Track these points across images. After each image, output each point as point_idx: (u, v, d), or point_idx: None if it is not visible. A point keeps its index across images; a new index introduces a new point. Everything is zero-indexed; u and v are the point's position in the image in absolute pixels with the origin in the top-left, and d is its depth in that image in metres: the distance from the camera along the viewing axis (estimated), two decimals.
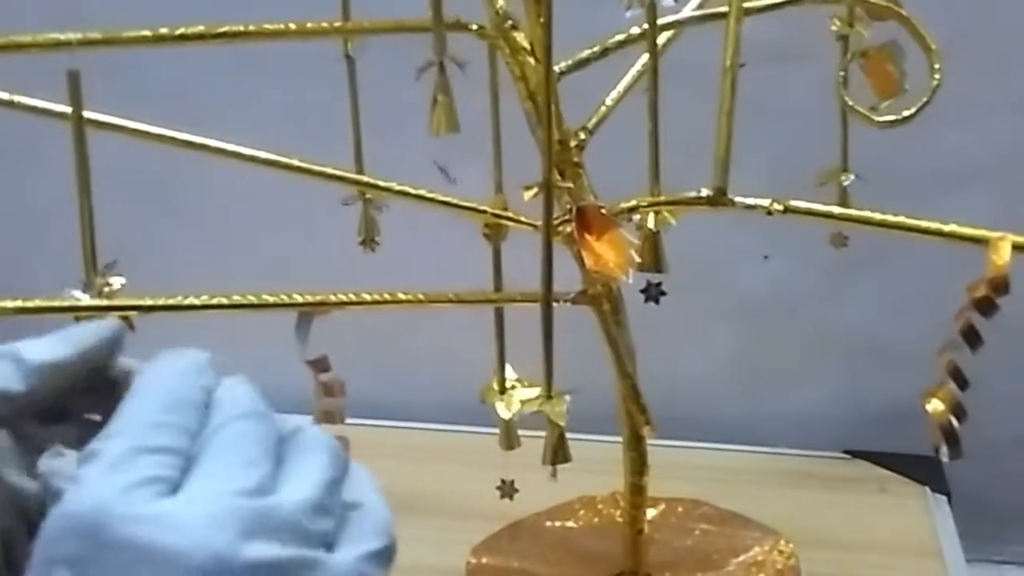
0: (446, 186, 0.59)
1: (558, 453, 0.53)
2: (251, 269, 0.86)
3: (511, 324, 0.61)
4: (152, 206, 0.90)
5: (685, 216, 0.57)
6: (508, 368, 0.59)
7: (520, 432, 0.58)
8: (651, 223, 0.58)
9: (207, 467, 0.32)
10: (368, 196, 0.63)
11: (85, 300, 0.47)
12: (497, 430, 0.59)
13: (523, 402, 0.55)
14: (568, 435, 0.54)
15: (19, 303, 0.45)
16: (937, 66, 0.52)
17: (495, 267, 0.61)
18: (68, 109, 0.44)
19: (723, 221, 0.58)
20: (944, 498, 0.79)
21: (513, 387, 0.57)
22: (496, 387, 0.58)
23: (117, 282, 0.48)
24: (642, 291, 0.56)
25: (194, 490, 0.31)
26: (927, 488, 0.80)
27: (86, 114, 0.45)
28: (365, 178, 0.59)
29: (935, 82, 0.52)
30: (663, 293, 0.56)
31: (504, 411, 0.57)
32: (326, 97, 0.62)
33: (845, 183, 0.65)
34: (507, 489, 0.59)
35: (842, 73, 0.57)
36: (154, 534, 0.29)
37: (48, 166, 0.58)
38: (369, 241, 0.65)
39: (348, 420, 0.53)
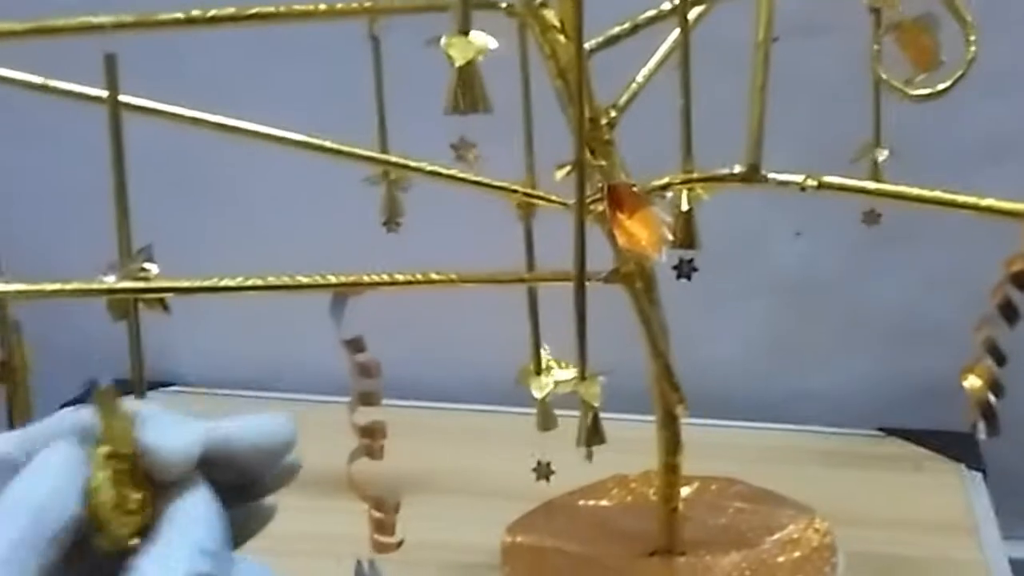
0: (477, 166, 0.59)
1: (593, 435, 0.53)
2: (282, 252, 0.86)
3: (544, 303, 0.61)
4: (183, 190, 0.91)
5: (716, 194, 0.57)
6: (544, 349, 0.59)
7: (556, 412, 0.58)
8: (684, 200, 0.57)
9: None
10: (393, 176, 0.63)
11: (121, 283, 0.47)
12: (530, 409, 0.59)
13: (558, 383, 0.55)
14: (602, 415, 0.54)
15: (58, 286, 0.45)
16: (972, 38, 0.52)
17: (527, 247, 0.61)
18: (103, 92, 0.44)
19: (755, 198, 0.57)
20: (979, 475, 0.79)
21: (549, 368, 0.57)
22: (532, 368, 0.58)
23: (153, 267, 0.48)
24: (674, 267, 0.56)
25: None
26: (962, 465, 0.80)
27: (121, 97, 0.45)
28: (397, 159, 0.59)
29: (970, 54, 0.52)
30: (695, 269, 0.56)
31: (540, 392, 0.57)
32: (355, 78, 0.62)
33: (879, 159, 0.65)
34: (543, 471, 0.59)
35: (876, 46, 0.56)
36: None
37: (81, 150, 0.59)
38: (392, 222, 0.65)
39: (384, 401, 0.53)
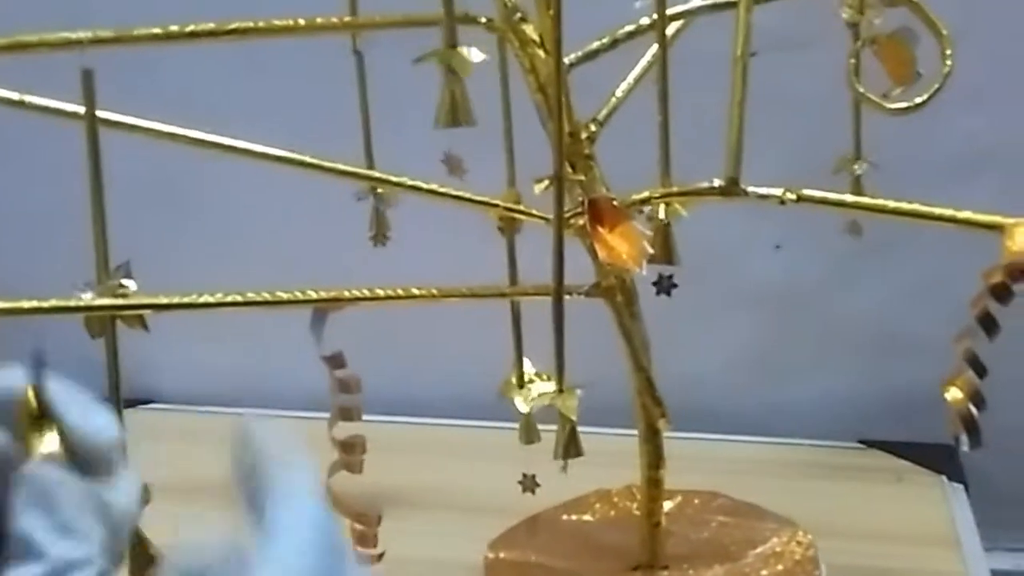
0: (458, 180, 0.59)
1: (570, 448, 0.53)
2: (263, 267, 0.86)
3: (527, 317, 0.61)
4: (162, 206, 0.90)
5: (696, 207, 0.57)
6: (526, 362, 0.59)
7: (539, 426, 0.58)
8: (662, 214, 0.57)
9: None
10: (379, 192, 0.63)
11: (99, 300, 0.47)
12: (512, 424, 0.59)
13: (539, 396, 0.55)
14: (583, 428, 0.54)
15: (35, 303, 0.45)
16: (948, 52, 0.52)
17: (509, 261, 0.61)
18: (80, 108, 0.44)
19: (734, 212, 0.58)
20: (961, 487, 0.79)
21: (531, 381, 0.57)
22: (514, 381, 0.58)
23: (131, 284, 0.48)
24: (654, 283, 0.56)
25: None
26: (944, 477, 0.80)
27: (99, 113, 0.45)
28: (378, 174, 0.59)
29: (946, 68, 0.52)
30: (674, 285, 0.56)
31: (523, 405, 0.57)
32: (336, 93, 0.62)
33: (859, 171, 0.65)
34: (528, 483, 0.59)
35: (853, 61, 0.57)
36: None
37: (59, 166, 0.58)
38: (380, 237, 0.65)
39: (364, 417, 0.53)
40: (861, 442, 0.85)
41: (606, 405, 0.56)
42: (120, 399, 0.49)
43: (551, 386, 0.53)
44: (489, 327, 0.61)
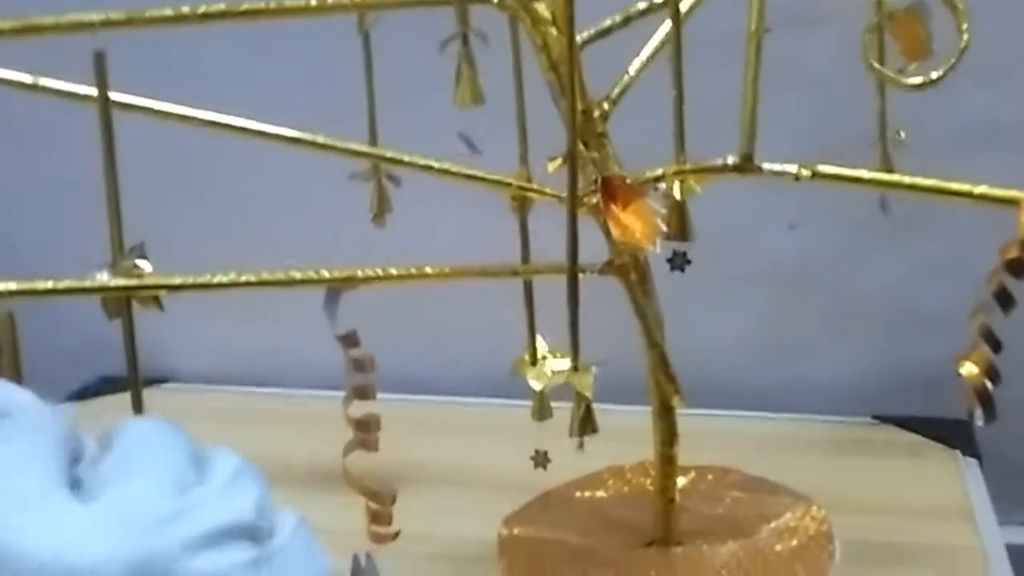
0: (470, 159, 0.59)
1: (585, 425, 0.53)
2: (276, 247, 0.86)
3: (540, 295, 0.61)
4: (176, 185, 0.90)
5: (710, 184, 0.57)
6: (539, 339, 0.59)
7: (552, 403, 0.58)
8: (677, 191, 0.57)
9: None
10: (382, 170, 0.63)
11: (114, 281, 0.47)
12: (525, 402, 0.59)
13: (554, 373, 0.55)
14: (596, 405, 0.54)
15: (51, 284, 0.45)
16: (964, 26, 0.51)
17: (522, 239, 0.61)
18: (92, 91, 0.44)
19: (747, 188, 0.57)
20: (975, 461, 0.79)
21: (545, 358, 0.57)
22: (527, 359, 0.58)
23: (145, 265, 0.48)
24: (668, 260, 0.56)
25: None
26: (958, 452, 0.80)
27: (111, 95, 0.45)
28: (391, 153, 0.59)
29: (962, 43, 0.52)
30: (689, 262, 0.56)
31: (536, 383, 0.57)
32: (349, 73, 0.62)
33: (895, 141, 0.64)
34: (540, 459, 0.59)
35: (869, 36, 0.56)
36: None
37: (72, 148, 0.58)
38: (380, 216, 0.65)
39: (379, 395, 0.53)
40: (875, 417, 0.85)
41: (620, 382, 0.56)
42: (138, 379, 0.50)
43: (565, 363, 0.53)
44: (502, 305, 0.61)
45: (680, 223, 0.58)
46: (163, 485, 0.30)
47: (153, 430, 0.33)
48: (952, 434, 0.81)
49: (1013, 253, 0.47)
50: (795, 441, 0.82)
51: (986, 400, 0.49)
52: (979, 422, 0.50)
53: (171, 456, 0.31)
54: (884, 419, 0.85)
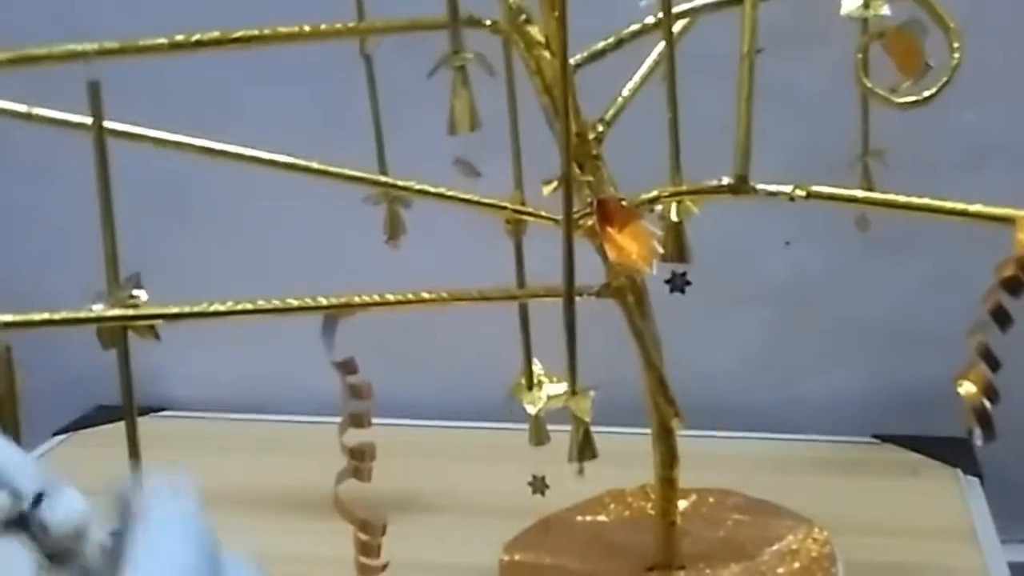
0: (466, 183, 0.59)
1: (584, 450, 0.53)
2: (274, 274, 0.87)
3: (536, 318, 0.61)
4: (172, 215, 0.90)
5: (706, 205, 0.57)
6: (535, 363, 0.59)
7: (549, 427, 0.58)
8: (673, 213, 0.57)
9: None
10: (393, 194, 0.63)
11: (109, 311, 0.47)
12: (524, 425, 0.59)
13: (550, 398, 0.55)
14: (595, 428, 0.53)
15: (46, 315, 0.45)
16: (956, 44, 0.52)
17: (517, 262, 0.61)
18: (87, 120, 0.44)
19: (743, 208, 0.58)
20: (976, 480, 0.79)
21: (541, 383, 0.57)
22: (524, 383, 0.58)
23: (141, 294, 0.48)
24: (667, 281, 0.56)
25: None
26: (959, 470, 0.80)
27: (106, 124, 0.45)
28: (384, 178, 0.59)
29: (954, 61, 0.52)
30: (688, 283, 0.56)
31: (532, 407, 0.57)
32: (345, 97, 0.62)
33: (868, 166, 0.65)
34: (538, 485, 0.59)
35: (860, 55, 0.57)
36: None
37: (67, 177, 0.58)
38: (394, 238, 0.65)
39: (375, 420, 0.53)
40: (875, 436, 0.85)
41: (618, 404, 0.56)
42: (134, 408, 0.49)
43: (561, 388, 0.53)
44: (499, 329, 0.61)
45: (677, 244, 0.58)
46: None
47: (174, 526, 0.33)
48: (953, 452, 0.80)
49: (1009, 271, 0.47)
50: (795, 461, 0.82)
51: (985, 419, 0.49)
52: (978, 442, 0.50)
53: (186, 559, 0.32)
54: (884, 438, 0.85)
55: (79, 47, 0.43)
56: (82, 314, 0.46)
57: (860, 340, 0.88)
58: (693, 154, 0.55)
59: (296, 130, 0.65)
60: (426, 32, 0.50)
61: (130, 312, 0.46)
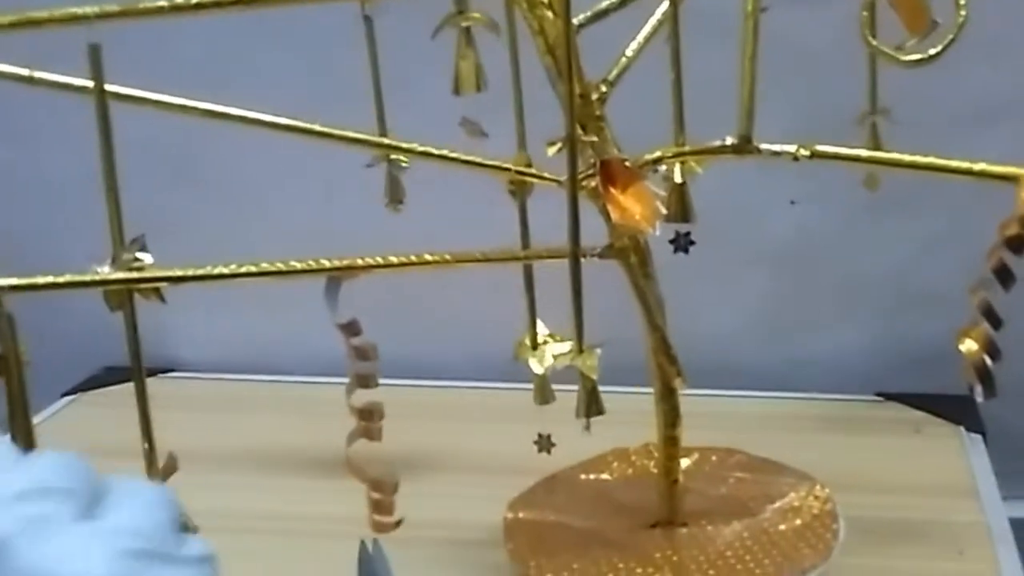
0: (469, 145, 0.59)
1: (591, 406, 0.53)
2: (277, 236, 0.86)
3: (541, 279, 0.61)
4: (177, 177, 0.90)
5: (710, 164, 0.56)
6: (539, 323, 0.59)
7: (553, 386, 0.58)
8: (677, 173, 0.57)
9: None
10: (392, 157, 0.63)
11: (115, 274, 0.47)
12: (528, 385, 0.59)
13: (556, 357, 0.55)
14: (600, 387, 0.54)
15: (51, 279, 0.45)
16: (962, 1, 0.51)
17: (522, 224, 0.61)
18: (89, 83, 0.44)
19: (748, 168, 0.57)
20: (979, 437, 0.79)
21: (545, 342, 0.57)
22: (528, 343, 0.58)
23: (146, 257, 0.48)
24: (671, 241, 0.56)
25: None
26: (962, 428, 0.80)
27: (107, 87, 0.45)
28: (387, 140, 0.59)
29: (960, 18, 0.51)
30: (692, 243, 0.56)
31: (537, 366, 0.57)
32: (347, 59, 0.62)
33: (875, 122, 0.64)
34: (544, 443, 0.60)
35: (866, 13, 0.56)
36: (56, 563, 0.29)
37: (71, 140, 0.58)
38: (394, 202, 0.65)
39: (382, 381, 0.53)
40: (879, 394, 0.85)
41: (623, 364, 0.56)
42: (142, 369, 0.50)
43: (565, 347, 0.53)
44: (503, 289, 0.61)
45: (681, 205, 0.58)
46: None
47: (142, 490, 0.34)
48: (956, 410, 0.81)
49: (1013, 230, 0.47)
50: (799, 419, 0.83)
51: (985, 376, 0.49)
52: (979, 398, 0.50)
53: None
54: (888, 396, 0.85)
55: (80, 10, 0.43)
56: (87, 277, 0.46)
57: (865, 299, 0.88)
58: (698, 114, 0.55)
59: (300, 93, 0.65)
60: None
61: (134, 275, 0.46)
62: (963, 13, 0.51)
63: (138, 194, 0.50)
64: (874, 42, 0.55)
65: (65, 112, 0.50)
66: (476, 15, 0.47)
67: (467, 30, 0.47)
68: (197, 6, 0.45)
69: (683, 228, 0.56)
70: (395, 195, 0.64)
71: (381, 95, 0.61)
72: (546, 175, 0.57)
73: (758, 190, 0.84)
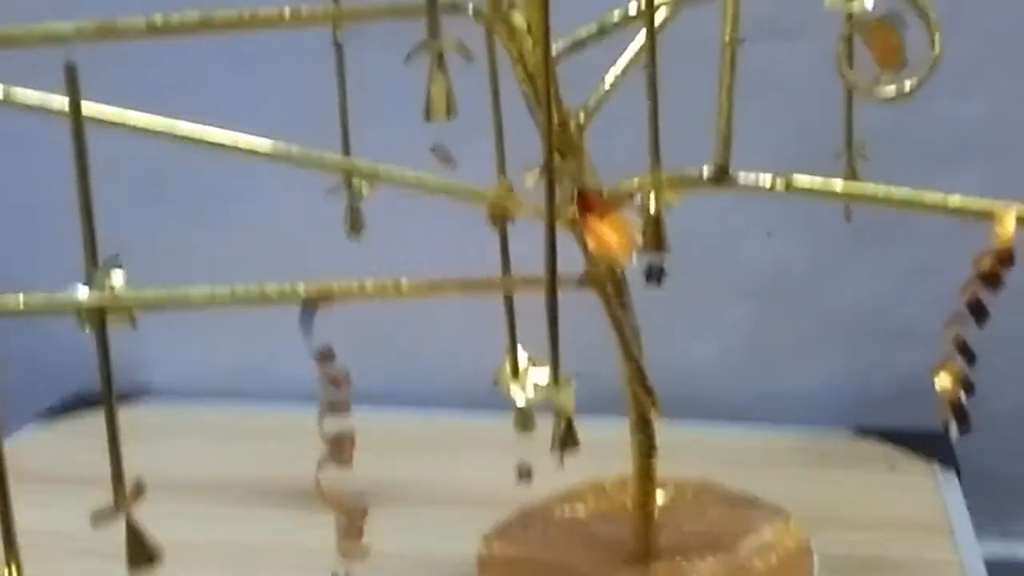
0: (448, 168, 0.59)
1: (567, 440, 0.53)
2: (255, 259, 0.86)
3: (517, 307, 0.61)
4: (153, 196, 0.90)
5: (686, 195, 0.56)
6: (520, 350, 0.59)
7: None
8: (652, 203, 0.57)
9: None
10: (353, 184, 0.63)
11: (87, 295, 0.46)
12: (503, 414, 0.58)
13: (536, 386, 0.55)
14: (576, 417, 0.53)
15: (22, 300, 0.45)
16: (936, 36, 0.52)
17: (502, 251, 0.60)
18: (65, 102, 0.44)
19: (726, 198, 0.58)
20: (954, 474, 0.79)
21: (525, 369, 0.57)
22: (508, 370, 0.58)
23: (119, 279, 0.48)
24: (644, 272, 0.56)
25: None
26: (936, 464, 0.80)
27: (84, 106, 0.44)
28: (365, 165, 0.59)
29: (934, 53, 0.52)
30: (664, 274, 0.56)
31: (519, 395, 0.57)
32: (324, 84, 0.62)
33: (852, 157, 0.65)
34: (524, 473, 0.59)
35: (842, 48, 0.57)
36: None
37: (47, 158, 0.58)
38: (355, 231, 0.64)
39: (356, 408, 0.53)
40: (854, 429, 0.85)
41: (599, 393, 0.56)
42: (113, 395, 0.49)
43: (545, 372, 0.53)
44: (480, 316, 0.61)
45: (656, 234, 0.58)
46: None
47: None
48: (930, 446, 0.81)
49: (987, 265, 0.47)
50: (774, 453, 0.82)
51: (960, 413, 0.49)
52: (953, 435, 0.50)
53: None
54: (863, 431, 0.85)
55: (56, 28, 0.43)
56: (59, 299, 0.45)
57: (841, 332, 0.88)
58: (676, 144, 0.55)
59: (278, 115, 0.65)
60: (410, 19, 0.50)
61: (106, 299, 0.46)
62: (937, 48, 0.52)
63: (112, 212, 0.49)
64: (850, 76, 0.55)
65: (40, 126, 0.50)
66: (448, 40, 0.47)
67: (439, 56, 0.46)
68: (176, 27, 0.45)
69: (656, 260, 0.56)
70: (355, 224, 0.64)
71: (347, 120, 0.62)
72: (525, 202, 0.57)
73: (735, 221, 0.84)
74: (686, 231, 0.57)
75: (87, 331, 0.48)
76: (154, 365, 0.94)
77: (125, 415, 0.50)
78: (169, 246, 0.87)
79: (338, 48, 0.61)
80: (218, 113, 0.54)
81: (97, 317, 0.47)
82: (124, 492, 0.48)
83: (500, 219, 0.60)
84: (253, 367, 0.94)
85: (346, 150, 0.62)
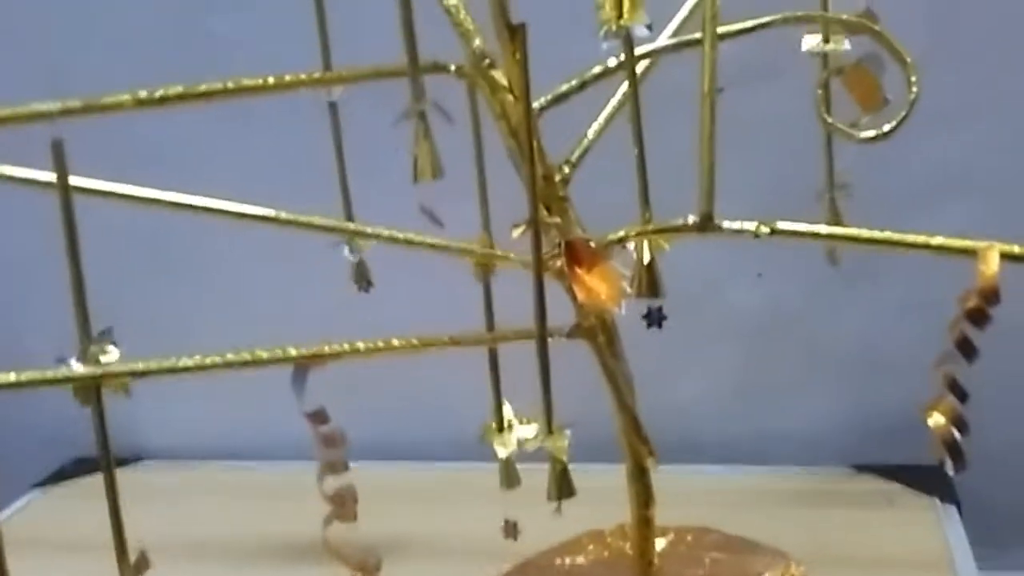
0: (435, 228, 0.59)
1: (563, 488, 0.53)
2: (247, 320, 0.86)
3: (508, 358, 0.61)
4: (144, 263, 0.90)
5: (676, 240, 0.57)
6: (506, 405, 0.59)
7: (523, 465, 0.58)
8: (645, 251, 0.58)
9: None
10: (352, 241, 0.63)
11: (80, 370, 0.47)
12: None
13: (522, 441, 0.55)
14: (571, 465, 0.53)
15: (13, 377, 0.45)
16: (913, 78, 0.52)
17: (486, 305, 0.61)
18: (53, 178, 0.44)
19: (715, 242, 0.58)
20: (954, 508, 0.79)
21: (511, 425, 0.57)
22: (494, 426, 0.58)
23: (113, 352, 0.48)
24: (644, 316, 0.56)
25: None
26: (936, 499, 0.80)
27: (72, 180, 0.45)
28: (353, 226, 0.60)
29: (912, 95, 0.52)
30: (664, 317, 0.56)
31: (502, 451, 0.57)
32: (312, 144, 0.63)
33: (834, 199, 0.65)
34: (510, 530, 0.59)
35: (820, 91, 0.57)
36: None
37: (37, 229, 0.58)
38: (362, 283, 0.65)
39: (352, 463, 0.53)
40: (852, 466, 0.85)
41: (593, 441, 0.56)
42: (111, 462, 0.49)
43: (532, 430, 0.53)
44: (470, 369, 0.61)
45: (650, 281, 0.59)
46: None
47: None
48: (930, 481, 0.81)
49: (972, 303, 0.48)
50: (772, 493, 0.82)
51: (955, 450, 0.49)
52: (950, 472, 0.50)
53: None
54: (861, 468, 0.85)
55: (42, 107, 0.44)
56: (51, 375, 0.46)
57: (834, 370, 0.88)
58: (663, 190, 0.55)
59: (266, 177, 0.65)
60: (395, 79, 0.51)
61: (99, 371, 0.46)
62: (915, 90, 0.52)
63: (103, 283, 0.49)
64: (829, 120, 0.56)
65: (31, 196, 0.50)
66: (425, 102, 0.47)
67: (423, 117, 0.47)
68: (161, 100, 0.45)
69: (655, 303, 0.56)
70: (363, 277, 0.64)
71: (346, 181, 0.62)
72: (511, 256, 0.57)
73: (725, 264, 0.85)
74: (677, 274, 0.58)
75: (83, 405, 0.48)
76: (150, 428, 0.94)
77: (122, 478, 0.50)
78: (164, 310, 0.88)
79: (332, 107, 0.61)
80: (211, 174, 0.54)
81: (92, 387, 0.47)
82: (128, 562, 0.48)
83: (484, 273, 0.60)
84: (250, 426, 0.94)
85: (347, 208, 0.62)
